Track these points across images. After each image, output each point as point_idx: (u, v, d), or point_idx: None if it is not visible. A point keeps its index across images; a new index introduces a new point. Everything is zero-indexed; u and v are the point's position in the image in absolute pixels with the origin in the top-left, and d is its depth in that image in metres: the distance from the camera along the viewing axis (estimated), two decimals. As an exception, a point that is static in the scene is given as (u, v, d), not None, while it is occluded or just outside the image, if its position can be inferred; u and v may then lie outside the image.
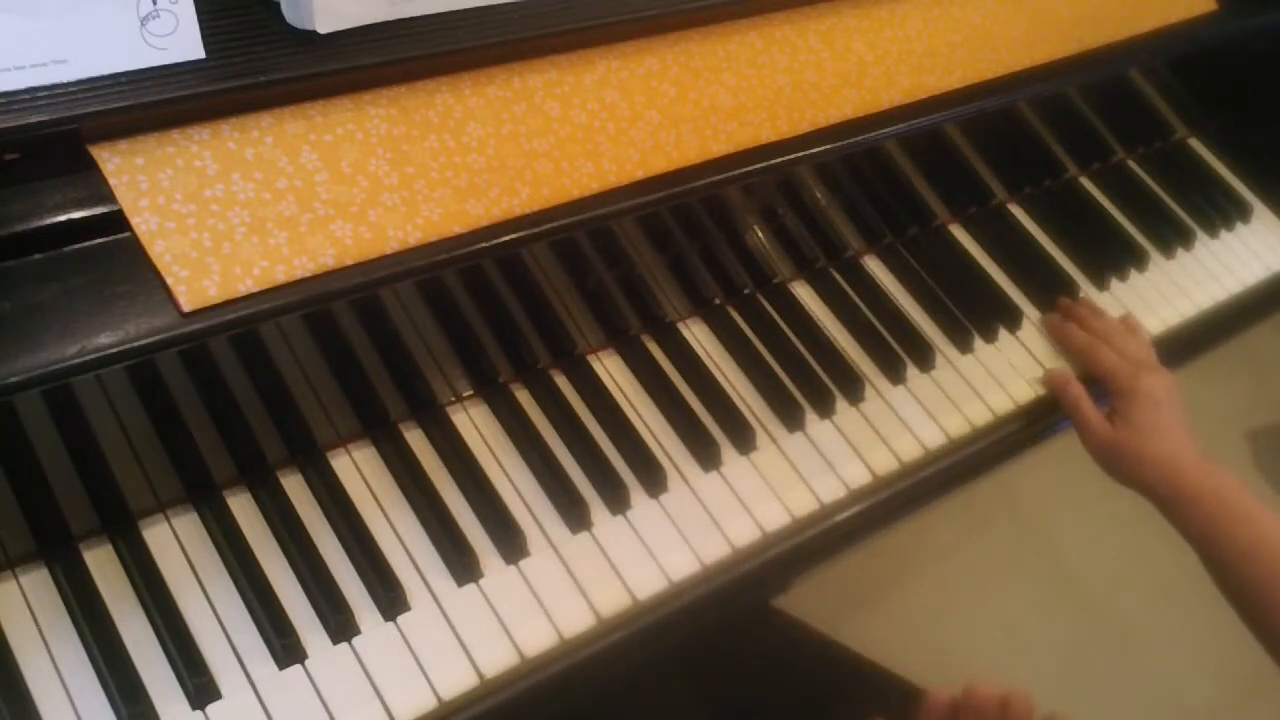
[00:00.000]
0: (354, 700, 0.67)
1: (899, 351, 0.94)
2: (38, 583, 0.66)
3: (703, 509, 0.80)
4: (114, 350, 0.58)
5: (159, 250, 0.60)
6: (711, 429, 0.84)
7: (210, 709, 0.64)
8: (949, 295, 1.00)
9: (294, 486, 0.74)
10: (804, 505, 0.83)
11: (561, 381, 0.84)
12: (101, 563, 0.68)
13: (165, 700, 0.64)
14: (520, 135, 0.72)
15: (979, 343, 0.98)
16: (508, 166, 0.71)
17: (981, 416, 0.93)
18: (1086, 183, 1.19)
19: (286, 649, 0.67)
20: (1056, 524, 1.83)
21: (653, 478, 0.80)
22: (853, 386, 0.90)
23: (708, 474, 0.82)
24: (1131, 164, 1.23)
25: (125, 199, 0.61)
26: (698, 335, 0.90)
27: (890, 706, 0.85)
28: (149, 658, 0.65)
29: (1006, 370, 0.97)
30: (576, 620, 0.73)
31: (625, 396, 0.85)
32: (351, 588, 0.71)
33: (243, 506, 0.72)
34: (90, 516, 0.68)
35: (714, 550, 0.79)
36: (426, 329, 0.76)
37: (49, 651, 0.64)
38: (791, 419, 0.87)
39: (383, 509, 0.75)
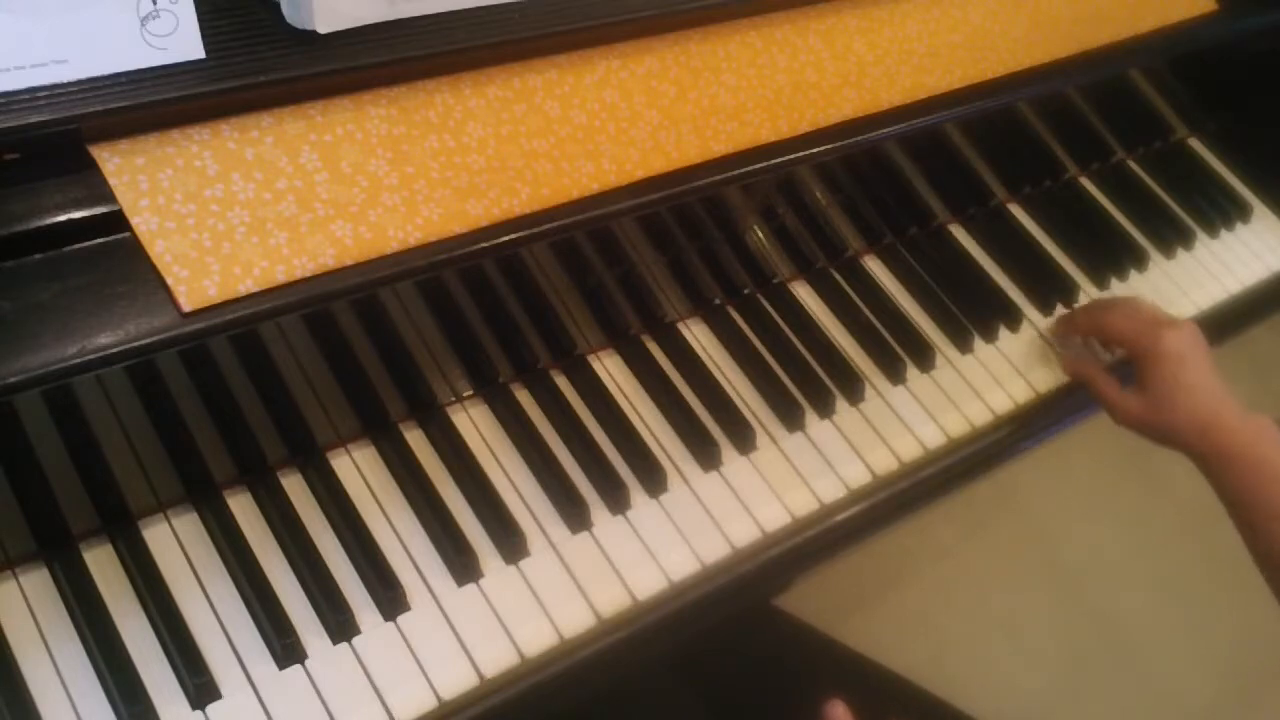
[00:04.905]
0: (354, 700, 0.67)
1: (899, 351, 0.94)
2: (38, 583, 0.66)
3: (703, 509, 0.80)
4: (114, 350, 0.58)
5: (159, 250, 0.60)
6: (711, 429, 0.84)
7: (210, 709, 0.64)
8: (949, 295, 1.00)
9: (294, 486, 0.74)
10: (804, 505, 0.83)
11: (561, 381, 0.84)
12: (101, 563, 0.68)
13: (165, 700, 0.64)
14: (520, 135, 0.72)
15: (979, 343, 0.98)
16: (508, 166, 0.71)
17: (981, 416, 0.93)
18: (1086, 183, 1.19)
19: (286, 649, 0.67)
20: (1056, 524, 1.83)
21: (653, 478, 0.80)
22: (853, 386, 0.90)
23: (708, 474, 0.82)
24: (1131, 164, 1.23)
25: (125, 199, 0.61)
26: (698, 335, 0.90)
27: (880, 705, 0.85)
28: (149, 658, 0.65)
29: (1007, 370, 0.97)
30: (576, 620, 0.73)
31: (625, 396, 0.85)
32: (351, 588, 0.71)
33: (243, 506, 0.72)
34: (90, 516, 0.68)
35: (714, 550, 0.79)
36: (426, 329, 0.76)
37: (49, 651, 0.64)
38: (791, 419, 0.87)
39: (383, 509, 0.75)
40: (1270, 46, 1.18)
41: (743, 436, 0.84)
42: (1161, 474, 1.54)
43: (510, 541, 0.74)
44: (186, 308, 0.60)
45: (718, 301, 0.92)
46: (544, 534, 0.76)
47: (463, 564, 0.73)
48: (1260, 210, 1.26)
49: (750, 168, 0.79)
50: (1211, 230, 1.19)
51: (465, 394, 0.81)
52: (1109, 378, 0.92)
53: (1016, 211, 1.12)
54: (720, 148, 0.78)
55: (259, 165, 0.64)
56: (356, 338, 0.72)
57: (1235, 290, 1.14)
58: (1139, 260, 1.12)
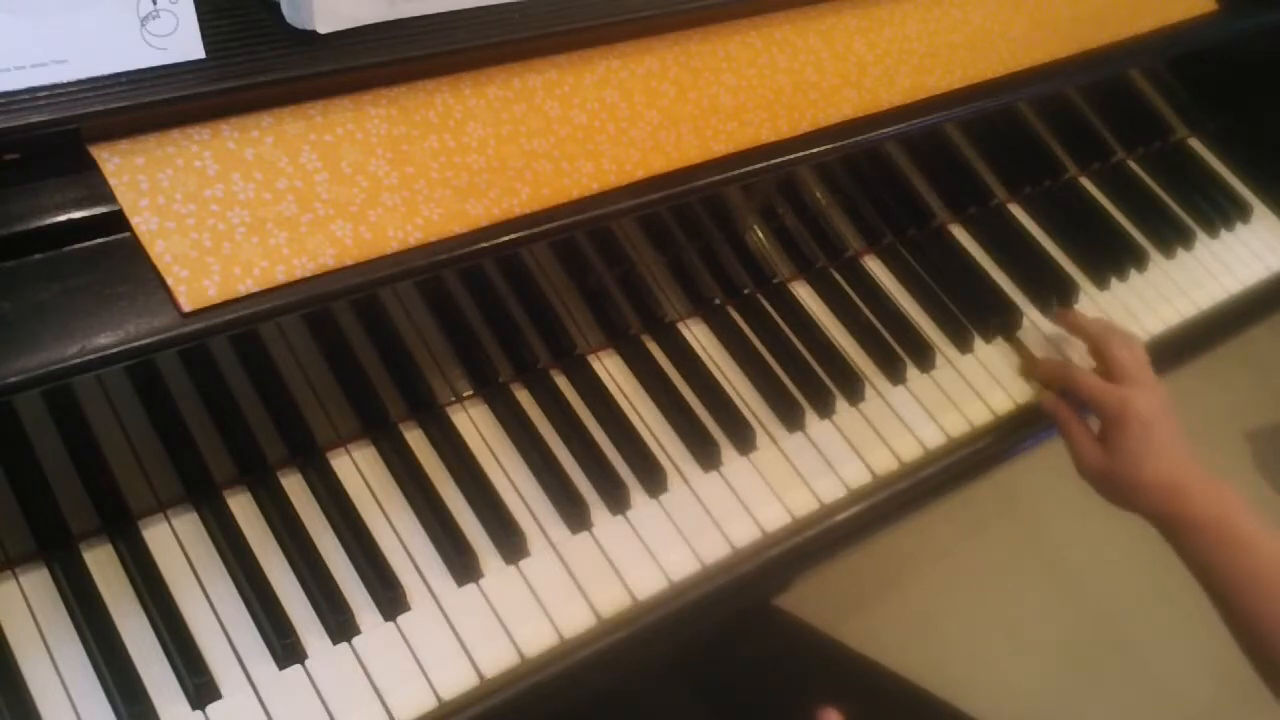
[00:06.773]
0: (354, 700, 0.67)
1: (899, 351, 0.94)
2: (38, 583, 0.66)
3: (703, 509, 0.80)
4: (114, 350, 0.58)
5: (159, 250, 0.60)
6: (711, 429, 0.84)
7: (210, 709, 0.64)
8: (949, 295, 1.00)
9: (294, 486, 0.74)
10: (804, 505, 0.83)
11: (561, 381, 0.84)
12: (101, 563, 0.68)
13: (165, 700, 0.64)
14: (520, 135, 0.72)
15: (979, 343, 0.98)
16: (507, 166, 0.71)
17: (981, 416, 0.93)
18: (1086, 183, 1.19)
19: (286, 649, 0.67)
20: (1056, 524, 1.83)
21: (653, 478, 0.80)
22: (853, 386, 0.90)
23: (708, 474, 0.82)
24: (1131, 164, 1.23)
25: (125, 199, 0.61)
26: (698, 335, 0.90)
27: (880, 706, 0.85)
28: (149, 658, 0.65)
29: (1007, 370, 0.97)
30: (576, 620, 0.73)
31: (625, 396, 0.85)
32: (351, 588, 0.71)
33: (243, 506, 0.72)
34: (90, 516, 0.68)
35: (714, 550, 0.79)
36: (426, 329, 0.76)
37: (49, 651, 0.64)
38: (791, 419, 0.87)
39: (383, 509, 0.75)
40: (1270, 46, 1.18)
41: (743, 436, 0.84)
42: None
43: (510, 541, 0.74)
44: (186, 308, 0.60)
45: (718, 301, 0.92)
46: (544, 534, 0.76)
47: (463, 564, 0.73)
48: (1260, 210, 1.26)
49: (750, 168, 0.79)
50: (1211, 230, 1.19)
51: (465, 394, 0.81)
52: (1084, 423, 0.91)
53: (1016, 211, 1.12)
54: (720, 148, 0.78)
55: (259, 165, 0.64)
56: (356, 338, 0.72)
57: (1235, 290, 1.14)
58: (1139, 260, 1.12)
